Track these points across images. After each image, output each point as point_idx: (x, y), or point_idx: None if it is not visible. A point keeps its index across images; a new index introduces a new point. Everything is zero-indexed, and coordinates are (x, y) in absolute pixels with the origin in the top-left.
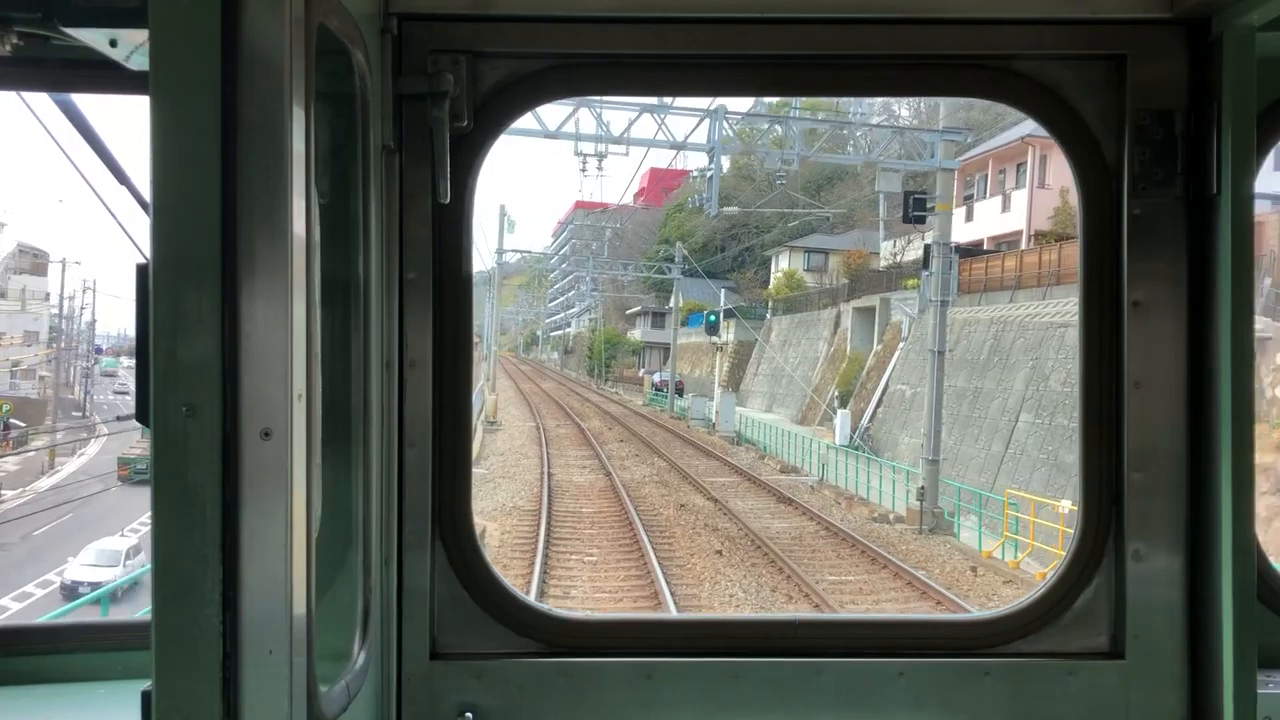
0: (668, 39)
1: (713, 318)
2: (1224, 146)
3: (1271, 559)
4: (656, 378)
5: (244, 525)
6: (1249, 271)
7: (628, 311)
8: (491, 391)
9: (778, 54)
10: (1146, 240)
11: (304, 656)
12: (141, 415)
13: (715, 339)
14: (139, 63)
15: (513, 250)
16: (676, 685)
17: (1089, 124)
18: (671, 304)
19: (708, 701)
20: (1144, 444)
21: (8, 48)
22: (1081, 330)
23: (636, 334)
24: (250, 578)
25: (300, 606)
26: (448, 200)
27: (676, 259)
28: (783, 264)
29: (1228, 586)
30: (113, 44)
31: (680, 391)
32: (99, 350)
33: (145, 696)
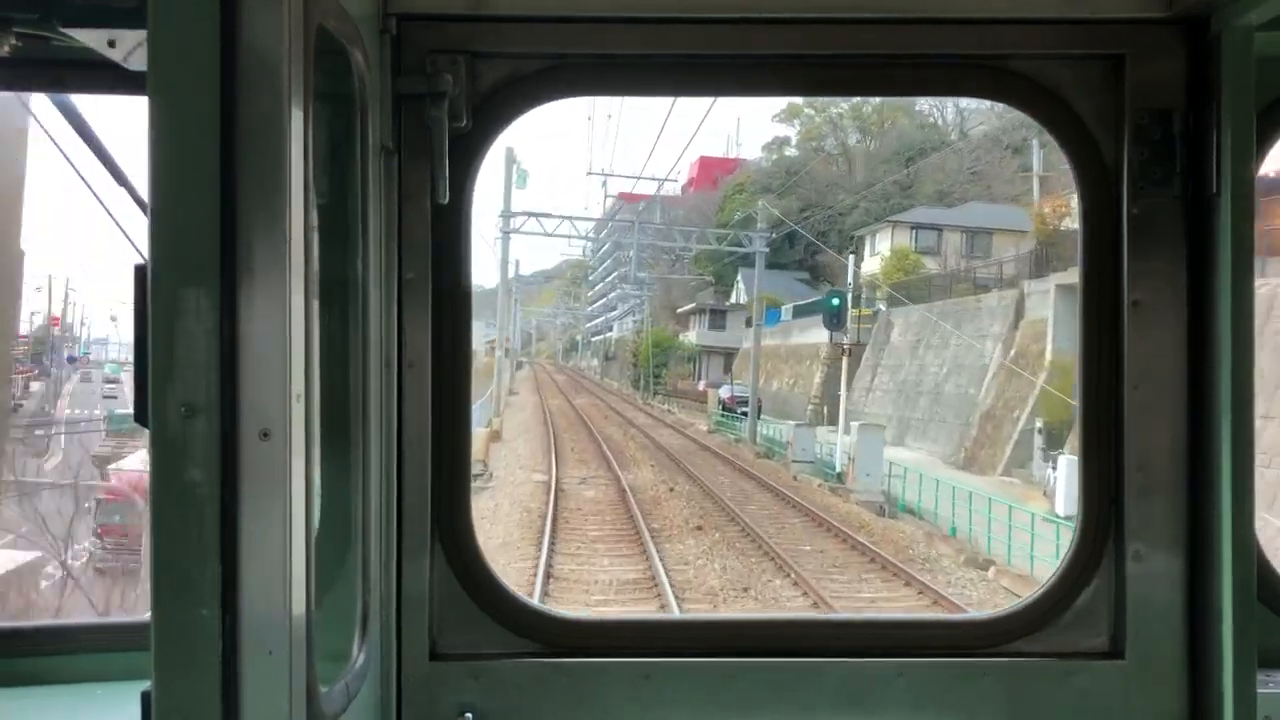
0: (667, 39)
1: (835, 302)
2: (1223, 146)
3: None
4: (724, 392)
5: (243, 525)
6: (1249, 270)
7: (679, 310)
8: (495, 414)
9: (777, 54)
10: (1146, 240)
11: (304, 657)
12: (140, 416)
13: (839, 336)
14: (138, 63)
15: (526, 214)
16: (675, 686)
17: (1088, 124)
18: (743, 293)
19: (707, 702)
20: (1144, 444)
21: (6, 48)
22: (1081, 330)
23: (691, 336)
24: (249, 578)
25: (300, 607)
26: (446, 200)
27: (759, 223)
28: (881, 245)
29: (1227, 586)
30: (111, 44)
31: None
32: (71, 359)
33: (145, 697)
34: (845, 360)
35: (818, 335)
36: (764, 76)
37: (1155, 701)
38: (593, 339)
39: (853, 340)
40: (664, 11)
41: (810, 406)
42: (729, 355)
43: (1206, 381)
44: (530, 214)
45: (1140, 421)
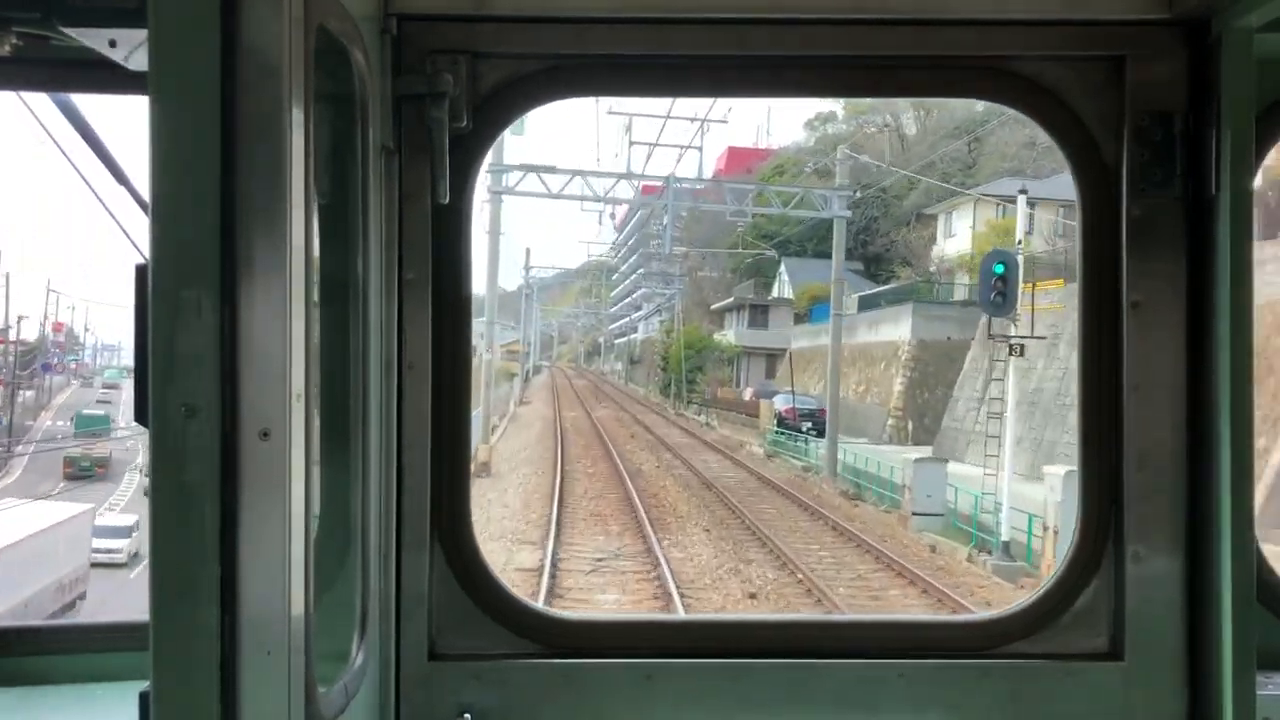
0: (667, 39)
1: (999, 267)
2: (1223, 147)
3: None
4: (781, 404)
5: (242, 526)
6: (1248, 272)
7: (714, 307)
8: (484, 440)
9: (778, 54)
10: (1146, 241)
11: (302, 657)
12: (140, 415)
13: (1005, 321)
14: (138, 63)
15: (524, 167)
16: (676, 686)
17: (1088, 125)
18: (787, 286)
19: (707, 703)
20: (1143, 445)
21: (7, 48)
22: (1081, 331)
23: (729, 335)
24: (249, 578)
25: (299, 607)
26: (447, 201)
27: (839, 179)
28: (959, 224)
29: (1227, 588)
30: (112, 44)
31: (819, 427)
32: (46, 367)
33: (144, 697)
34: (1010, 362)
35: (893, 331)
36: (764, 77)
37: (1155, 703)
38: (616, 341)
39: (1018, 335)
40: (664, 12)
41: (890, 421)
42: (772, 357)
43: (1206, 382)
44: (531, 168)
45: (1140, 422)
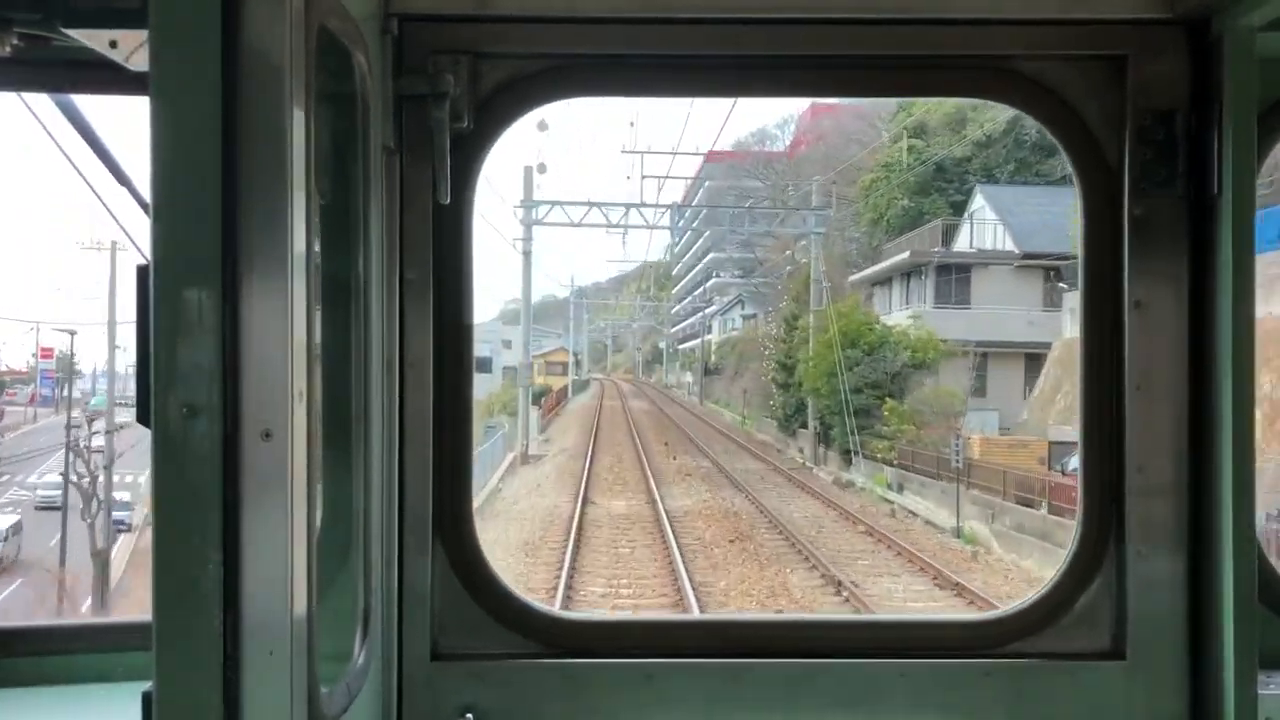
0: (668, 40)
1: None
2: (1225, 147)
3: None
4: None
5: (245, 526)
6: (1250, 271)
7: (853, 278)
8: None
9: (778, 54)
10: (1148, 241)
11: (305, 657)
12: (142, 416)
13: None
14: (139, 64)
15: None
16: (678, 686)
17: (1090, 124)
18: (996, 230)
19: (708, 703)
20: (1145, 445)
21: (8, 49)
22: (1083, 331)
23: (903, 317)
24: (251, 578)
25: (301, 607)
26: (448, 201)
27: None
28: None
29: (1228, 587)
30: (113, 45)
31: None
32: None
33: (146, 697)
34: None
35: None
36: (765, 77)
37: (1156, 702)
38: (681, 346)
39: None
40: (667, 12)
41: None
42: (980, 356)
43: (1208, 382)
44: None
45: (1142, 422)
